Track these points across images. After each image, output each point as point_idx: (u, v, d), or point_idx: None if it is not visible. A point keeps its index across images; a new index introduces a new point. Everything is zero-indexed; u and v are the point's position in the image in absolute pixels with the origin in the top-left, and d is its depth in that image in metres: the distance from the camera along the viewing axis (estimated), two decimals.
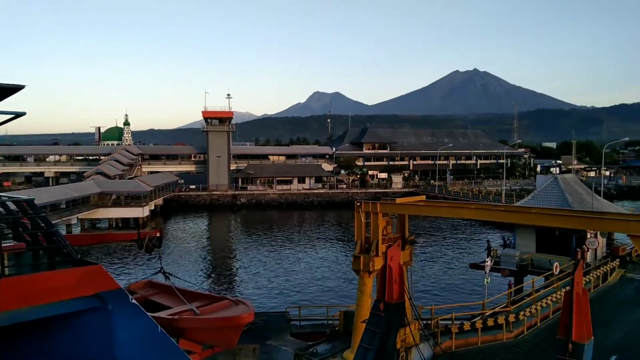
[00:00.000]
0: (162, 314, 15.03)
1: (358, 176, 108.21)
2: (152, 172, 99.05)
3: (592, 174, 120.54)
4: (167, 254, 51.72)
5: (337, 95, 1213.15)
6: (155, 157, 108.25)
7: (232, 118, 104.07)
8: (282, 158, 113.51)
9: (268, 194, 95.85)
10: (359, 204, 17.75)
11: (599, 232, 32.18)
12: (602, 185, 65.00)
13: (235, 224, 77.94)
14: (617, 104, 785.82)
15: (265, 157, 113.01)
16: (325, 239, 61.12)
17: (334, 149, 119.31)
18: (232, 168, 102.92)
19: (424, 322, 19.65)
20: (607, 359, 11.03)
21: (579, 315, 12.01)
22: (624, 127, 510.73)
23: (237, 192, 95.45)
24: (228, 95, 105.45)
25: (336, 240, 60.99)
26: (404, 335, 16.81)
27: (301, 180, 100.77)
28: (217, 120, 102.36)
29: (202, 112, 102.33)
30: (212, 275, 45.20)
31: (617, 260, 33.27)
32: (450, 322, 20.67)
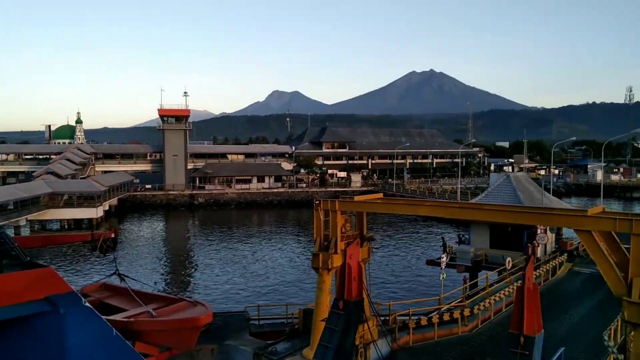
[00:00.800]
0: (118, 317, 14.70)
1: (318, 175, 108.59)
2: (106, 172, 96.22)
3: (542, 172, 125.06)
4: (123, 255, 50.43)
5: (297, 94, 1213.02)
6: (109, 156, 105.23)
7: (189, 116, 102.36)
8: (241, 157, 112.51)
9: (227, 193, 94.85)
10: (318, 202, 17.84)
11: (548, 228, 33.48)
12: (552, 183, 67.57)
13: (193, 224, 76.77)
14: (565, 105, 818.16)
15: (223, 156, 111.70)
16: (285, 238, 61.07)
17: (293, 148, 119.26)
18: (189, 167, 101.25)
19: (382, 318, 19.94)
20: (556, 351, 11.54)
21: (530, 310, 12.46)
22: (571, 127, 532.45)
23: (194, 192, 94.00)
24: (185, 93, 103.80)
25: (296, 239, 61.03)
26: (363, 331, 17.00)
27: (260, 179, 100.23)
28: (174, 118, 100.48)
29: (158, 110, 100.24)
30: (170, 276, 44.39)
31: (565, 254, 34.71)
32: (407, 317, 21.07)
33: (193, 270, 46.23)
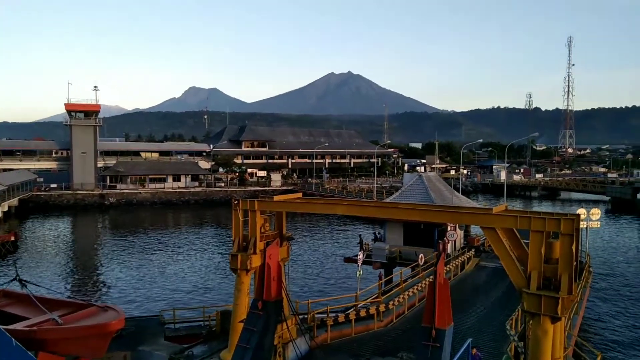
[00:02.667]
0: (18, 326, 13.66)
1: (237, 174, 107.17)
2: (5, 170, 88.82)
3: (453, 172, 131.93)
4: (24, 259, 46.86)
5: (215, 91, 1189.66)
6: (9, 153, 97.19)
7: (99, 111, 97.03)
8: (156, 155, 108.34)
9: (140, 193, 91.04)
10: (236, 201, 17.62)
11: (457, 225, 35.36)
12: (461, 183, 71.37)
13: (104, 225, 72.89)
14: (473, 109, 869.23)
15: (136, 153, 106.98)
16: (202, 239, 59.68)
17: (211, 146, 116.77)
18: (99, 165, 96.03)
19: (301, 317, 20.07)
20: (464, 342, 12.24)
21: (441, 304, 13.10)
22: (478, 130, 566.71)
23: (105, 192, 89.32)
24: (95, 87, 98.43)
25: (214, 240, 59.85)
26: (281, 331, 17.03)
27: (176, 178, 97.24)
28: (82, 113, 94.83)
29: (65, 104, 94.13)
30: (78, 281, 41.82)
31: (473, 250, 36.85)
32: (325, 315, 21.35)
33: (104, 274, 43.89)
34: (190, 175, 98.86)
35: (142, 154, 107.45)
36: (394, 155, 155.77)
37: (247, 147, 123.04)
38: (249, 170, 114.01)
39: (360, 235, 41.13)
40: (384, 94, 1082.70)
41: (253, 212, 17.11)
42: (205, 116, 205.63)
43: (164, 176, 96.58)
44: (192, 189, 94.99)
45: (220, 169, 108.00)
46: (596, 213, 35.40)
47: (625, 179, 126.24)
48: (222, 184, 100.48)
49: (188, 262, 46.97)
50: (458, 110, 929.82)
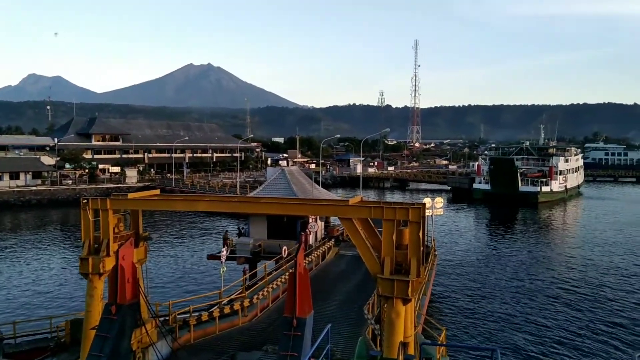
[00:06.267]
0: None
1: (86, 170, 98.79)
2: None
3: (313, 166, 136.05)
4: None
5: (59, 80, 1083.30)
6: None
7: None
8: None
9: None
10: (85, 201, 16.24)
11: (318, 217, 36.60)
12: (321, 176, 73.93)
13: None
14: (331, 105, 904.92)
15: None
16: (47, 243, 54.13)
17: (56, 140, 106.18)
18: None
19: (162, 318, 19.25)
20: (324, 328, 12.69)
21: (302, 293, 13.44)
22: (336, 125, 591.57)
23: None
24: None
25: (61, 243, 54.66)
26: (140, 335, 16.17)
27: (14, 176, 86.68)
28: None
29: None
30: None
31: (333, 240, 38.45)
32: (188, 315, 20.73)
33: None
34: (31, 173, 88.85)
35: None
36: (257, 150, 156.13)
37: (98, 140, 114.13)
38: (101, 166, 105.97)
39: (226, 232, 40.56)
40: (245, 88, 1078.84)
41: (105, 212, 15.88)
42: (48, 107, 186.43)
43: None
44: (33, 188, 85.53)
45: (67, 165, 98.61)
46: (440, 202, 39.05)
47: (463, 170, 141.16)
48: (70, 182, 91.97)
49: (31, 270, 42.31)
50: (317, 106, 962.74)
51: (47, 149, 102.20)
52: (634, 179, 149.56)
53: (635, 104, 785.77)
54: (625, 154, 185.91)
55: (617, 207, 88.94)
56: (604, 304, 33.40)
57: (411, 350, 13.72)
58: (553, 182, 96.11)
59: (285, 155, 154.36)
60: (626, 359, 24.48)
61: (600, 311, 31.94)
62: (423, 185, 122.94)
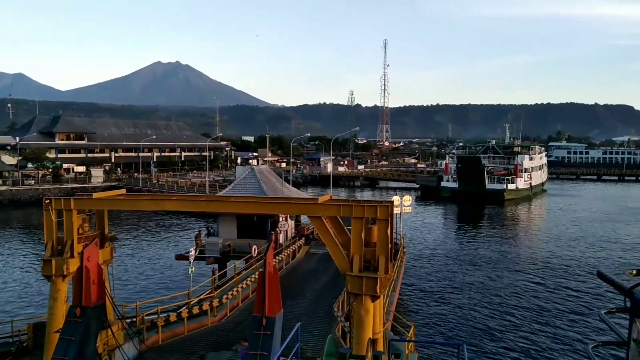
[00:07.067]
0: None
1: (50, 170, 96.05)
2: None
3: (284, 165, 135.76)
4: None
5: (20, 77, 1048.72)
6: None
7: None
8: None
9: None
10: (48, 201, 15.83)
11: (288, 216, 36.56)
12: (291, 174, 73.88)
13: None
14: (302, 104, 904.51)
15: None
16: (7, 245, 52.47)
17: (17, 139, 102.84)
18: None
19: (129, 320, 18.93)
20: (293, 326, 12.69)
21: (271, 292, 13.42)
22: (307, 124, 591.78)
23: None
24: None
25: (23, 245, 53.04)
26: (106, 337, 15.86)
27: None
28: None
29: None
30: None
31: (303, 238, 38.46)
32: (156, 316, 20.44)
33: None
34: None
35: None
36: (227, 149, 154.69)
37: (62, 139, 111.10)
38: (65, 165, 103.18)
39: (200, 231, 40.05)
40: (214, 86, 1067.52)
41: (68, 212, 15.51)
42: (9, 104, 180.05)
43: None
44: None
45: (30, 165, 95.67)
46: (408, 199, 39.52)
47: (431, 168, 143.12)
48: (32, 182, 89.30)
49: None
50: (288, 105, 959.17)
51: (9, 148, 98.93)
52: (594, 177, 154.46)
53: (596, 104, 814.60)
54: (587, 152, 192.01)
55: (579, 203, 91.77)
56: (565, 298, 34.43)
57: (380, 347, 13.87)
58: (518, 179, 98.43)
59: (256, 154, 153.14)
60: (581, 350, 25.36)
61: (561, 305, 32.91)
62: (392, 184, 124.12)
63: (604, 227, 64.29)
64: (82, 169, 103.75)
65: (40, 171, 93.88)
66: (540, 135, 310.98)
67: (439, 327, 28.96)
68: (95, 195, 16.67)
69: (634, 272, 3.63)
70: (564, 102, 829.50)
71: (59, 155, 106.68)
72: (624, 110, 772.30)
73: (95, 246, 15.31)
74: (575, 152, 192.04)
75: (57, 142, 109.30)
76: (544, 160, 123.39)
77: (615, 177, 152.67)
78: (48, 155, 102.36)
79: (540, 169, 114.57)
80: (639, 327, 3.28)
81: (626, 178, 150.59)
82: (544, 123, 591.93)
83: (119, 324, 16.86)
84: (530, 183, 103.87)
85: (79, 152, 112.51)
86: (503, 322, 29.82)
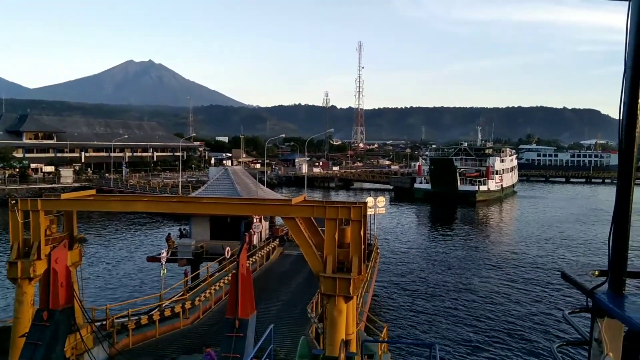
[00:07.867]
0: None
1: (17, 170, 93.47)
2: None
3: (258, 166, 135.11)
4: None
5: None
6: None
7: None
8: None
9: None
10: (14, 201, 15.41)
11: (262, 217, 36.39)
12: (266, 176, 73.58)
13: None
14: (277, 105, 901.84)
15: None
16: None
17: None
18: None
19: (98, 324, 18.56)
20: (266, 328, 12.63)
21: (244, 294, 13.33)
22: (282, 125, 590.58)
23: None
24: None
25: None
26: (75, 341, 15.52)
27: None
28: None
29: None
30: None
31: (277, 240, 38.34)
32: (127, 319, 20.10)
33: None
34: None
35: None
36: (200, 149, 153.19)
37: (30, 138, 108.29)
38: (33, 165, 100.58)
39: (170, 234, 39.50)
40: (188, 86, 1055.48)
41: (35, 213, 15.13)
42: None
43: None
44: None
45: None
46: (382, 201, 39.83)
47: (405, 170, 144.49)
48: None
49: None
50: (263, 105, 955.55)
51: None
52: (563, 179, 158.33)
53: (565, 108, 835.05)
54: (556, 155, 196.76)
55: (548, 205, 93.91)
56: (534, 298, 35.19)
57: (353, 348, 13.92)
58: (490, 181, 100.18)
59: (230, 154, 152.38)
60: (546, 349, 25.95)
61: (529, 305, 33.62)
62: (366, 185, 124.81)
63: (571, 228, 65.94)
64: (50, 169, 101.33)
65: (6, 171, 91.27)
66: (511, 138, 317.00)
67: (412, 328, 29.23)
68: (63, 195, 16.32)
69: (597, 272, 3.73)
70: (534, 105, 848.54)
71: (27, 155, 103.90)
72: (591, 115, 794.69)
73: (64, 248, 14.97)
74: (544, 155, 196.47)
75: (25, 141, 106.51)
76: (515, 162, 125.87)
77: (583, 180, 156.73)
78: (15, 154, 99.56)
79: (511, 171, 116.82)
80: (600, 327, 3.38)
81: (593, 180, 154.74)
82: (515, 126, 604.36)
83: (88, 328, 16.52)
84: (502, 185, 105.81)
85: (48, 152, 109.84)
86: (474, 321, 30.28)
